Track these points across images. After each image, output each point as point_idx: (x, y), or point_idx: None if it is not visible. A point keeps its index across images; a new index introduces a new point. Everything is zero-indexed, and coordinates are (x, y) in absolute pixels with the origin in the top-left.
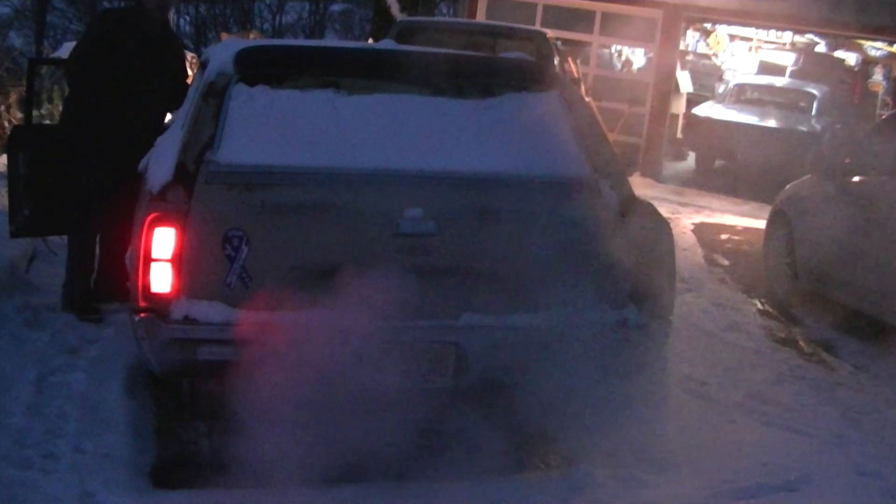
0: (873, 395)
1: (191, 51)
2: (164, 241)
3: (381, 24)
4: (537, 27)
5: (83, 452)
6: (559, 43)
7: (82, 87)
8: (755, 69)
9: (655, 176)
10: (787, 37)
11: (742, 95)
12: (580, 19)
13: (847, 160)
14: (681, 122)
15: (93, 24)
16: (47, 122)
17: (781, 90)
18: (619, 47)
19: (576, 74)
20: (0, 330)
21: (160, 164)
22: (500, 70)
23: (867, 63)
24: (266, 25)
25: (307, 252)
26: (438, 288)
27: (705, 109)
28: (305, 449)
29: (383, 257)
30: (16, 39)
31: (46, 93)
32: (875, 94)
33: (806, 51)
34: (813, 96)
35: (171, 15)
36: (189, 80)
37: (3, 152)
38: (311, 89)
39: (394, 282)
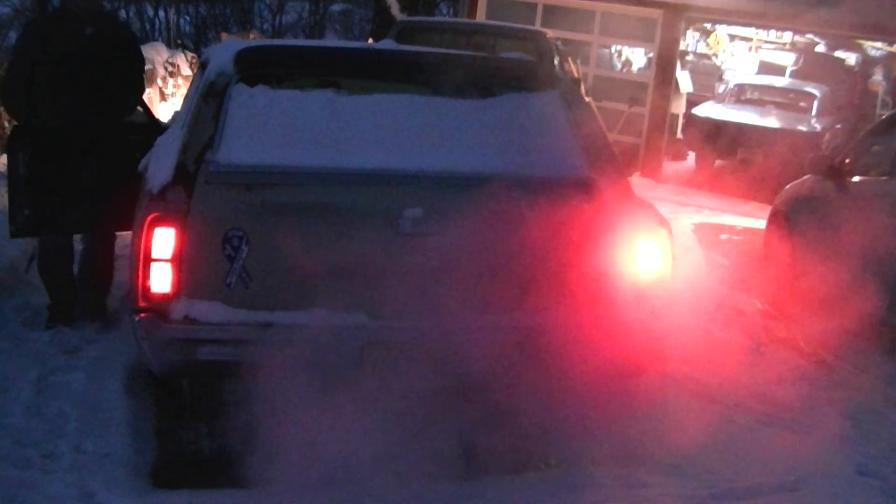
0: (873, 395)
1: (191, 51)
2: (164, 241)
3: (381, 24)
4: (537, 27)
5: (83, 452)
6: (559, 43)
7: (22, 99)
8: (755, 69)
9: (655, 176)
10: (787, 37)
11: (742, 95)
12: (580, 19)
13: (847, 160)
14: (681, 122)
15: (21, 35)
16: None
17: (781, 90)
18: (619, 47)
19: (576, 74)
20: (0, 330)
21: (160, 164)
22: (499, 70)
23: (867, 63)
24: (266, 25)
25: (307, 252)
26: (438, 288)
27: (705, 109)
28: (305, 449)
29: (383, 257)
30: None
31: None
32: (875, 94)
33: (806, 51)
34: (813, 96)
35: (171, 15)
36: (144, 73)
37: (3, 152)
38: (311, 89)
39: (393, 282)
